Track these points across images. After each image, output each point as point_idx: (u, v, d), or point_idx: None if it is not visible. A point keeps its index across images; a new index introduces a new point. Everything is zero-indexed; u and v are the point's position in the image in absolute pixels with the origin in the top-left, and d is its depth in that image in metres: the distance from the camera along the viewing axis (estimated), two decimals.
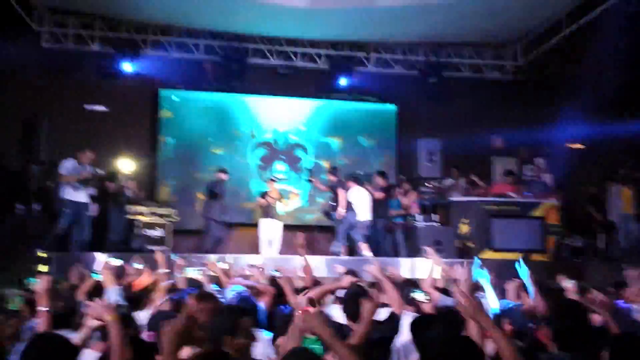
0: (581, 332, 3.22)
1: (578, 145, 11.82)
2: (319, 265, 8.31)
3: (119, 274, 5.69)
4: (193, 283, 5.60)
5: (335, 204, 9.87)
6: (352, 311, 3.78)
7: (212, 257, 8.24)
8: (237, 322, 3.04)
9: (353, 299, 3.87)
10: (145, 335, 3.39)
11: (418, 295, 4.38)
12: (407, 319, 4.04)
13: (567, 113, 10.92)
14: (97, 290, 4.77)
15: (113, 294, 4.40)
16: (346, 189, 9.67)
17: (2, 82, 10.90)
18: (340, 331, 3.31)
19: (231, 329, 3.01)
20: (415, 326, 3.52)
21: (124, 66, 11.41)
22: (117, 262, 5.97)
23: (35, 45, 11.24)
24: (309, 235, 11.24)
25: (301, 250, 6.18)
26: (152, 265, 5.75)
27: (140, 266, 6.07)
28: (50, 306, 3.36)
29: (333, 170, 10.19)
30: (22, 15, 10.58)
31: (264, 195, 10.25)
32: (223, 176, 10.19)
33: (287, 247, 9.97)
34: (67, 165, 8.66)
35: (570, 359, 3.12)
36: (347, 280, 4.92)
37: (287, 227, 10.43)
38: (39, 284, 3.45)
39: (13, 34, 10.88)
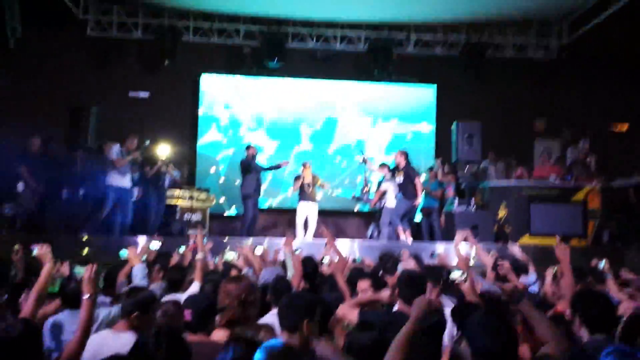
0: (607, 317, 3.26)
1: (624, 127, 11.42)
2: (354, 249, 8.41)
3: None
4: (229, 266, 5.77)
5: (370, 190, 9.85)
6: (407, 296, 3.77)
7: (248, 241, 8.42)
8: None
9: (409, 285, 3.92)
10: (185, 315, 3.48)
11: (455, 275, 4.35)
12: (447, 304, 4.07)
13: (614, 94, 10.55)
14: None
15: (139, 271, 4.56)
16: (418, 175, 9.60)
17: (49, 70, 11.32)
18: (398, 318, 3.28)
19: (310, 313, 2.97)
20: (455, 314, 3.48)
21: (167, 53, 11.62)
22: (156, 246, 6.18)
23: (81, 34, 11.59)
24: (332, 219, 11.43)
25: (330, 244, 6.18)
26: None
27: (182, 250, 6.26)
28: (93, 293, 3.41)
29: (403, 154, 9.83)
30: (68, 4, 10.91)
31: (297, 178, 10.33)
32: (252, 151, 10.17)
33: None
34: (115, 151, 9.00)
35: (605, 341, 3.08)
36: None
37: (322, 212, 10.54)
38: (85, 273, 3.52)
39: (59, 23, 11.30)
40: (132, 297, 3.59)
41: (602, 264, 5.63)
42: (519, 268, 6.12)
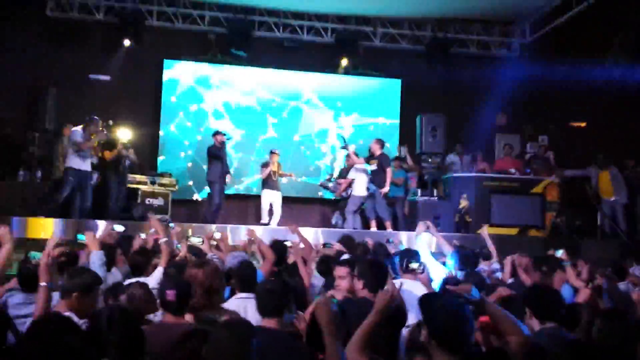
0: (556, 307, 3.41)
1: (581, 124, 11.77)
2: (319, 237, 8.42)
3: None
4: (194, 250, 5.68)
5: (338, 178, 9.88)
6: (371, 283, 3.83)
7: (212, 227, 8.34)
8: None
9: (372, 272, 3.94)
10: (168, 295, 3.41)
11: (414, 265, 4.40)
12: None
13: (572, 92, 10.87)
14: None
15: (97, 258, 4.41)
16: (389, 164, 9.65)
17: (8, 51, 10.94)
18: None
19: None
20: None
21: (129, 37, 11.39)
22: (120, 229, 6.04)
23: (40, 14, 11.26)
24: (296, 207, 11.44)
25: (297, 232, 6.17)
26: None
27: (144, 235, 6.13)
28: (49, 280, 3.37)
29: (379, 142, 9.82)
30: None
31: (265, 165, 10.30)
32: (220, 138, 10.05)
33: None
34: (77, 134, 8.77)
35: (556, 329, 3.25)
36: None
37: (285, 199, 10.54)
38: (41, 258, 3.48)
39: (19, 3, 10.93)
40: (74, 277, 3.46)
41: (559, 252, 5.78)
42: (484, 255, 6.28)
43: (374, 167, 9.58)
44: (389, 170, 9.50)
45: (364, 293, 3.87)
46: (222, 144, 9.99)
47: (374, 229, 9.48)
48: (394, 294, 3.01)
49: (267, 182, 10.23)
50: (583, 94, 10.83)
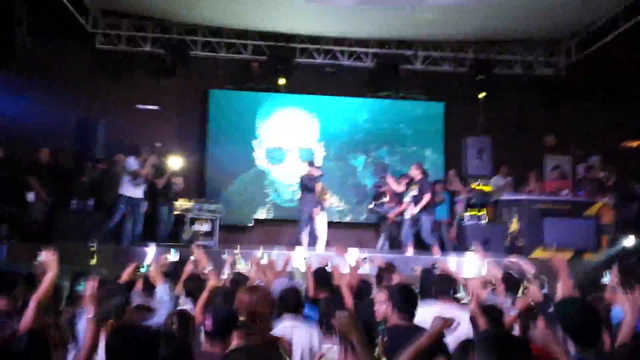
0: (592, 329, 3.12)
1: (634, 143, 11.43)
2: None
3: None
4: (241, 277, 5.66)
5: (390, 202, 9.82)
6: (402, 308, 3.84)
7: (259, 252, 8.32)
8: None
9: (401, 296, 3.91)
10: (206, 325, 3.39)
11: (460, 296, 4.30)
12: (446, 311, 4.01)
13: (622, 111, 10.60)
14: (147, 286, 4.82)
15: (164, 293, 4.41)
16: (432, 189, 9.57)
17: (59, 83, 11.31)
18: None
19: None
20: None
21: (175, 66, 11.62)
22: (175, 257, 6.04)
23: (90, 47, 11.62)
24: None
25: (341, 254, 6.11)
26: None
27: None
28: (97, 312, 3.30)
29: (419, 167, 9.87)
30: (77, 17, 10.93)
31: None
32: (314, 171, 10.19)
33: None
34: (132, 162, 8.96)
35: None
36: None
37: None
38: (87, 289, 3.41)
39: (69, 36, 11.31)
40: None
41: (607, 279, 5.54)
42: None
43: (414, 192, 9.48)
44: (425, 197, 9.38)
45: (394, 317, 3.85)
46: (313, 177, 10.08)
47: (409, 253, 9.32)
48: (449, 322, 3.16)
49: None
50: (634, 113, 10.56)
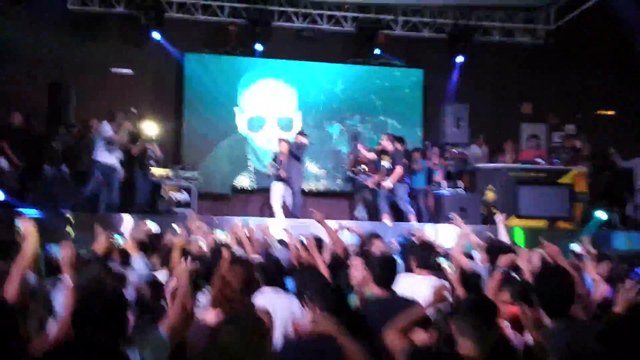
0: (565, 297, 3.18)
1: (609, 112, 11.56)
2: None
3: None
4: (219, 245, 5.64)
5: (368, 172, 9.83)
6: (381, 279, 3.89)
7: (236, 220, 8.31)
8: None
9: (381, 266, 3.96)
10: None
11: (444, 263, 4.34)
12: (425, 283, 4.08)
13: (599, 79, 10.66)
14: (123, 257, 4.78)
15: (141, 264, 4.39)
16: (406, 160, 9.53)
17: (29, 45, 10.94)
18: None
19: None
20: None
21: (150, 29, 11.32)
22: (155, 228, 5.98)
23: (61, 7, 11.23)
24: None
25: (321, 221, 6.08)
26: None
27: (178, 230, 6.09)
28: (74, 275, 3.26)
29: (393, 139, 9.78)
30: None
31: (275, 157, 10.17)
32: (304, 139, 10.07)
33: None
34: (107, 128, 8.77)
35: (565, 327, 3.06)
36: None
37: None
38: (62, 252, 3.36)
39: None
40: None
41: (575, 247, 5.65)
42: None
43: (387, 163, 9.47)
44: (398, 169, 9.38)
45: (374, 288, 3.90)
46: (301, 144, 9.97)
47: (387, 222, 9.38)
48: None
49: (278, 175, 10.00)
50: (610, 81, 10.63)
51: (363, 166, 10.40)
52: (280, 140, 10.24)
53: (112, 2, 11.54)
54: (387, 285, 3.90)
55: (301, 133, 10.32)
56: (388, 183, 9.40)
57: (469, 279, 4.38)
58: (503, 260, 4.25)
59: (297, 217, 9.41)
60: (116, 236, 5.00)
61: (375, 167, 10.05)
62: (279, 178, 9.93)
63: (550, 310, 3.10)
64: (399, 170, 9.39)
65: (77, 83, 10.23)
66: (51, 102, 9.93)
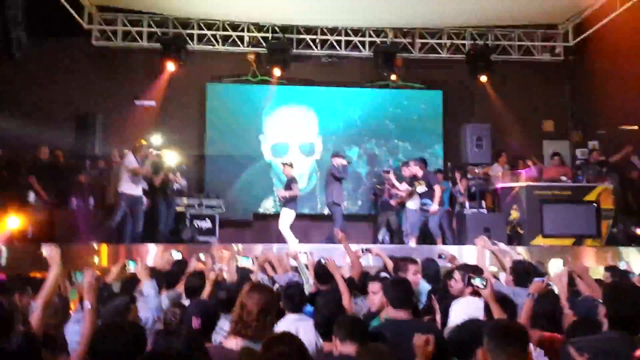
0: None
1: (633, 127, 11.38)
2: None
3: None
4: (244, 272, 5.69)
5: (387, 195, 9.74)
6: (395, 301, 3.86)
7: (259, 247, 8.37)
8: None
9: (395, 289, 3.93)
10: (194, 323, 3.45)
11: (477, 282, 4.29)
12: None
13: (620, 94, 10.54)
14: (132, 283, 4.83)
15: (151, 289, 4.41)
16: (439, 182, 9.49)
17: (56, 80, 11.29)
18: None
19: None
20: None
21: (172, 61, 11.58)
22: (178, 256, 6.06)
23: (86, 43, 11.58)
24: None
25: (344, 243, 6.09)
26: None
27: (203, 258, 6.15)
28: (95, 302, 3.29)
29: (421, 163, 9.72)
30: (73, 13, 10.89)
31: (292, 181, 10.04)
32: (343, 161, 9.99)
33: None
34: (131, 159, 8.95)
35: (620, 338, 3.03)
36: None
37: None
38: (85, 278, 3.38)
39: (65, 33, 11.28)
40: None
41: (623, 264, 5.59)
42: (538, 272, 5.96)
43: (422, 188, 9.41)
44: (437, 188, 9.33)
45: (390, 310, 3.86)
46: (344, 166, 9.97)
47: (412, 244, 9.31)
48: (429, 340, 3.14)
49: (294, 200, 9.92)
50: (632, 96, 10.50)
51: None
52: (284, 164, 10.21)
53: (135, 37, 11.86)
54: (405, 308, 3.87)
55: (337, 155, 10.13)
56: (435, 207, 9.30)
57: (505, 301, 4.30)
58: (535, 287, 4.17)
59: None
60: (130, 262, 5.06)
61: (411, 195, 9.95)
62: (285, 203, 9.86)
63: (623, 326, 3.05)
64: (438, 191, 9.33)
65: (103, 116, 10.47)
66: (77, 136, 10.15)
